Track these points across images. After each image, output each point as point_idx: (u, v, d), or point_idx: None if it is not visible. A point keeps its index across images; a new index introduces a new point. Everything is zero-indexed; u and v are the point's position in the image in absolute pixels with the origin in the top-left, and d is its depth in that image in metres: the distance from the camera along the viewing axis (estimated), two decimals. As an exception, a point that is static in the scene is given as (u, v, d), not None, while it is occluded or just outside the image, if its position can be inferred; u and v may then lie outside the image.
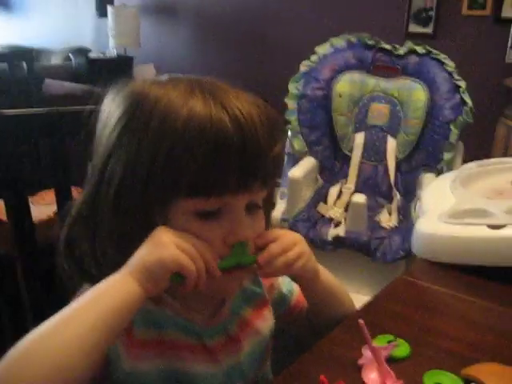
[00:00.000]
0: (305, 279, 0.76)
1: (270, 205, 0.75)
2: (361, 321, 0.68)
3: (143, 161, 0.61)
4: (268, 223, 0.73)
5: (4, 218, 1.95)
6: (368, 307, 0.86)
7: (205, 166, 0.59)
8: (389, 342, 0.74)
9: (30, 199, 1.02)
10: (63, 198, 1.00)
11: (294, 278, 0.79)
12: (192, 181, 0.60)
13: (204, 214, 0.62)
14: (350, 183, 2.15)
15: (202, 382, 0.69)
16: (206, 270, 0.61)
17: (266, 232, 0.69)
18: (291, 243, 0.70)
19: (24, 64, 2.32)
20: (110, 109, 0.66)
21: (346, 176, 2.18)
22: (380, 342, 0.74)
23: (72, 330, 0.55)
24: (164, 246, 0.59)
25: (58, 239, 0.68)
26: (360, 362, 0.69)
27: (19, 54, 2.45)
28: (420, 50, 2.14)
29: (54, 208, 1.96)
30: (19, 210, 0.94)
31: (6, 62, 2.21)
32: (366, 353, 0.70)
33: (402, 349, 0.73)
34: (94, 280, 0.60)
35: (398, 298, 0.92)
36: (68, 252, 0.67)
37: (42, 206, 2.06)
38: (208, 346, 0.71)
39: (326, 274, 0.81)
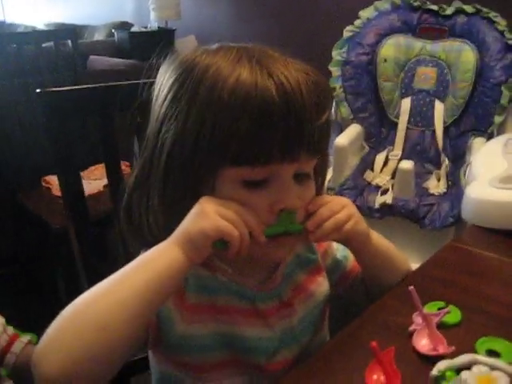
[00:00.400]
0: (356, 242, 0.74)
1: (322, 174, 0.75)
2: (411, 287, 0.67)
3: (191, 129, 0.62)
4: (320, 192, 0.74)
5: (57, 193, 2.02)
6: (418, 274, 0.86)
7: (249, 134, 0.60)
8: (439, 308, 0.74)
9: (81, 174, 1.05)
10: (113, 172, 1.02)
11: (346, 243, 0.77)
12: (237, 149, 0.60)
13: (250, 182, 0.63)
14: (397, 150, 2.11)
15: (255, 346, 0.71)
16: (250, 236, 0.62)
17: (315, 198, 0.69)
18: (340, 206, 0.70)
19: (69, 42, 2.35)
20: (163, 80, 0.68)
21: (392, 143, 2.14)
22: (430, 308, 0.73)
23: (117, 294, 0.58)
24: (205, 214, 0.60)
25: (113, 210, 0.70)
26: (411, 328, 0.70)
27: (64, 32, 2.48)
28: (469, 9, 2.06)
29: (103, 182, 2.03)
30: (72, 184, 0.96)
31: (52, 40, 2.24)
32: (417, 319, 0.70)
33: (453, 315, 0.73)
34: (150, 247, 0.62)
35: (447, 264, 0.91)
36: (127, 220, 0.70)
37: (92, 181, 2.12)
38: (260, 310, 0.72)
39: (379, 238, 0.81)
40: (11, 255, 2.25)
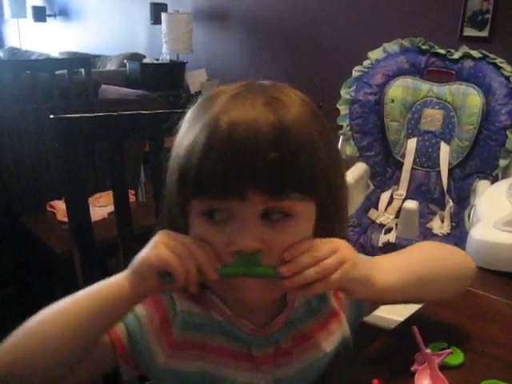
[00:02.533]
0: (356, 290, 0.64)
1: (337, 218, 0.66)
2: (414, 327, 0.67)
3: (172, 159, 0.64)
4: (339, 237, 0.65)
5: (61, 218, 2.03)
6: (421, 314, 0.86)
7: (198, 166, 0.58)
8: (441, 349, 0.73)
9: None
10: (120, 200, 1.02)
11: (346, 292, 0.67)
12: (191, 181, 0.59)
13: (212, 216, 0.60)
14: (402, 189, 2.12)
15: None
16: (199, 271, 0.59)
17: (299, 243, 0.61)
18: (328, 251, 0.61)
19: (82, 70, 2.39)
20: None
21: (397, 182, 2.15)
22: (433, 349, 0.73)
23: (62, 315, 0.60)
24: (154, 245, 0.59)
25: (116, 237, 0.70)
26: (413, 368, 0.69)
27: (78, 61, 2.53)
28: (476, 54, 2.10)
29: (108, 209, 2.04)
30: (80, 210, 0.97)
31: (67, 68, 2.28)
32: (419, 359, 0.70)
33: (456, 356, 0.72)
34: None
35: (451, 305, 0.90)
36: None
37: (97, 208, 2.13)
38: (254, 356, 0.69)
39: (396, 270, 0.69)
40: (12, 277, 2.25)
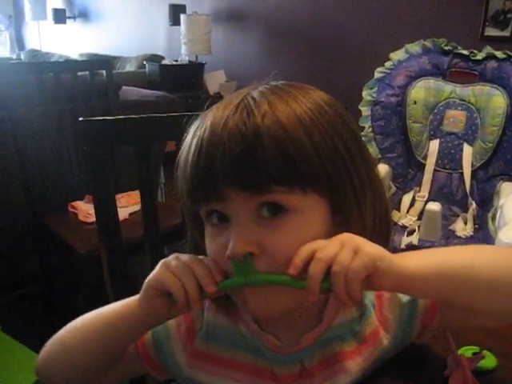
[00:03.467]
0: (384, 278, 0.54)
1: (360, 219, 0.60)
2: (448, 332, 0.67)
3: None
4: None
5: (83, 219, 2.04)
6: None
7: (184, 172, 0.59)
8: (474, 353, 0.73)
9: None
10: (147, 200, 1.03)
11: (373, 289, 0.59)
12: (184, 187, 0.60)
13: (216, 219, 0.59)
14: (424, 191, 2.11)
15: None
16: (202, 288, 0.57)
17: (303, 247, 0.55)
18: (337, 247, 0.54)
19: (103, 72, 2.41)
20: None
21: (419, 184, 2.14)
22: (465, 353, 0.72)
23: (83, 329, 0.65)
24: (158, 266, 0.59)
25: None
26: (446, 372, 0.68)
27: (100, 63, 2.54)
28: (500, 55, 2.08)
29: (129, 210, 2.05)
30: (107, 209, 0.98)
31: (88, 69, 2.30)
32: (452, 364, 0.69)
33: (489, 361, 0.72)
34: None
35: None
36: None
37: (119, 209, 2.14)
38: (276, 375, 0.65)
39: (431, 257, 0.59)
40: (34, 277, 2.27)
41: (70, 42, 6.02)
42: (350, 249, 0.54)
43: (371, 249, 0.54)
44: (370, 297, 0.68)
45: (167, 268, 0.58)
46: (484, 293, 0.59)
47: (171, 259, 0.59)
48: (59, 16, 5.92)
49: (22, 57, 5.24)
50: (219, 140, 0.55)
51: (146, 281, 0.59)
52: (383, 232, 0.64)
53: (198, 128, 0.59)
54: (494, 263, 0.60)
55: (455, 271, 0.57)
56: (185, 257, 0.59)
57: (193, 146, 0.58)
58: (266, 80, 0.63)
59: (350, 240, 0.55)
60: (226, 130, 0.55)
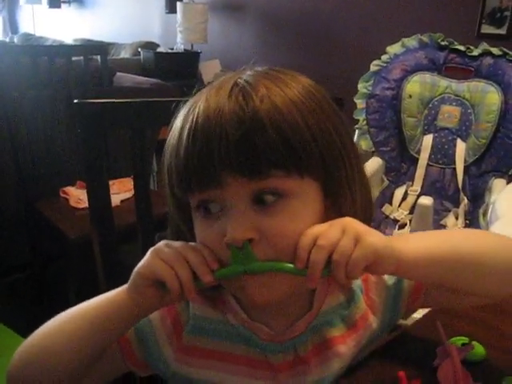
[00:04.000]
0: (384, 265, 0.56)
1: (338, 194, 0.60)
2: (438, 322, 0.67)
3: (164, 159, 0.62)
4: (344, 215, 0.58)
5: (75, 204, 2.04)
6: (439, 309, 0.85)
7: (175, 159, 0.57)
8: (463, 344, 0.73)
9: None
10: (141, 186, 1.03)
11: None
12: (175, 174, 0.58)
13: (207, 210, 0.58)
14: (417, 185, 2.11)
15: None
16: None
17: (304, 234, 0.55)
18: (338, 233, 0.54)
19: (98, 57, 2.39)
20: None
21: (412, 178, 2.14)
22: (455, 343, 0.73)
23: (68, 325, 0.60)
24: (148, 255, 0.57)
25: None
26: (435, 362, 0.69)
27: (95, 48, 2.53)
28: (496, 51, 2.08)
29: (120, 197, 2.04)
30: (101, 195, 0.97)
31: (83, 54, 2.29)
32: (441, 354, 0.69)
33: (478, 351, 0.72)
34: None
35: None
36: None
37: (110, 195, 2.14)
38: (272, 363, 0.65)
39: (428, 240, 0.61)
40: (25, 262, 2.27)
41: (64, 27, 5.96)
42: (351, 236, 0.54)
43: (372, 238, 0.55)
44: (357, 282, 0.69)
45: (158, 256, 0.56)
46: (471, 275, 0.61)
47: (162, 246, 0.57)
48: (54, 0, 5.86)
49: (16, 40, 5.18)
50: (216, 124, 0.54)
51: (136, 270, 0.57)
52: (368, 216, 0.64)
53: (188, 113, 0.58)
54: (480, 247, 0.62)
55: (454, 257, 0.60)
56: (176, 244, 0.58)
57: (185, 132, 0.56)
58: (249, 66, 0.63)
59: (351, 226, 0.55)
60: (222, 114, 0.54)
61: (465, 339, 0.74)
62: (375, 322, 0.70)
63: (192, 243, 0.59)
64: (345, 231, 0.54)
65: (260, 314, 0.65)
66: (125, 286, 0.59)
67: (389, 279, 0.70)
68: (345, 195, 0.60)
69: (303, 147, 0.55)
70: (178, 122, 0.59)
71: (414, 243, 0.59)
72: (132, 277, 0.57)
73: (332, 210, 0.60)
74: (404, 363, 0.71)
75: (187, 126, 0.56)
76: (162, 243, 0.58)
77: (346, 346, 0.67)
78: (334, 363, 0.67)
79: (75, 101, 0.93)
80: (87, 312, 0.60)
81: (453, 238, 0.64)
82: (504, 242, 0.65)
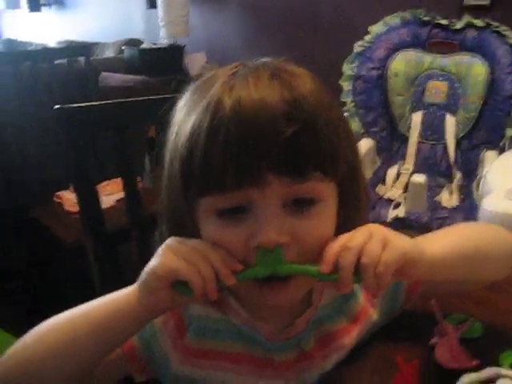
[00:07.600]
0: (416, 267, 0.56)
1: (354, 205, 0.60)
2: (434, 300, 0.67)
3: (170, 154, 0.58)
4: (354, 227, 0.57)
5: (69, 208, 2.03)
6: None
7: (203, 154, 0.52)
8: (460, 322, 0.73)
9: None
10: (129, 187, 1.02)
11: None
12: (198, 173, 0.53)
13: (225, 212, 0.54)
14: (409, 164, 2.11)
15: None
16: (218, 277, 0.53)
17: (333, 241, 0.54)
18: (365, 238, 0.53)
19: (82, 59, 2.38)
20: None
21: (403, 157, 2.14)
22: (451, 321, 0.73)
23: (69, 329, 0.56)
24: (161, 253, 0.53)
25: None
26: (432, 341, 0.69)
27: (78, 49, 2.52)
28: (479, 23, 2.07)
29: (115, 197, 2.04)
30: (89, 198, 0.97)
31: (66, 57, 2.27)
32: (439, 332, 0.69)
33: (475, 329, 0.72)
34: None
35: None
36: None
37: (104, 196, 2.13)
38: (276, 361, 0.64)
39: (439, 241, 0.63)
40: (22, 269, 2.26)
41: (46, 31, 5.92)
42: (379, 239, 0.53)
43: (400, 241, 0.54)
44: None
45: (176, 254, 0.52)
46: (486, 267, 0.67)
47: (176, 244, 0.54)
48: (34, 4, 5.80)
49: (-1, 47, 5.15)
50: (263, 119, 0.50)
51: (148, 271, 0.53)
52: (367, 207, 0.64)
53: (207, 110, 0.52)
54: (490, 240, 0.68)
55: (467, 254, 0.63)
56: (192, 242, 0.54)
57: (211, 130, 0.51)
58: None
59: (378, 231, 0.54)
60: (268, 108, 0.50)
61: (462, 317, 0.74)
62: (375, 313, 0.70)
63: (209, 243, 0.55)
64: (372, 235, 0.54)
65: (261, 313, 0.64)
66: (128, 290, 0.55)
67: None
68: (355, 193, 0.60)
69: (339, 148, 0.54)
70: (189, 121, 0.54)
71: (438, 243, 0.60)
72: (144, 278, 0.53)
73: (344, 210, 0.59)
74: (402, 344, 0.71)
75: (214, 123, 0.51)
76: (173, 241, 0.54)
77: (349, 338, 0.67)
78: (338, 355, 0.67)
79: (56, 106, 0.93)
80: (93, 316, 0.56)
81: (471, 234, 0.67)
82: (503, 235, 0.71)
